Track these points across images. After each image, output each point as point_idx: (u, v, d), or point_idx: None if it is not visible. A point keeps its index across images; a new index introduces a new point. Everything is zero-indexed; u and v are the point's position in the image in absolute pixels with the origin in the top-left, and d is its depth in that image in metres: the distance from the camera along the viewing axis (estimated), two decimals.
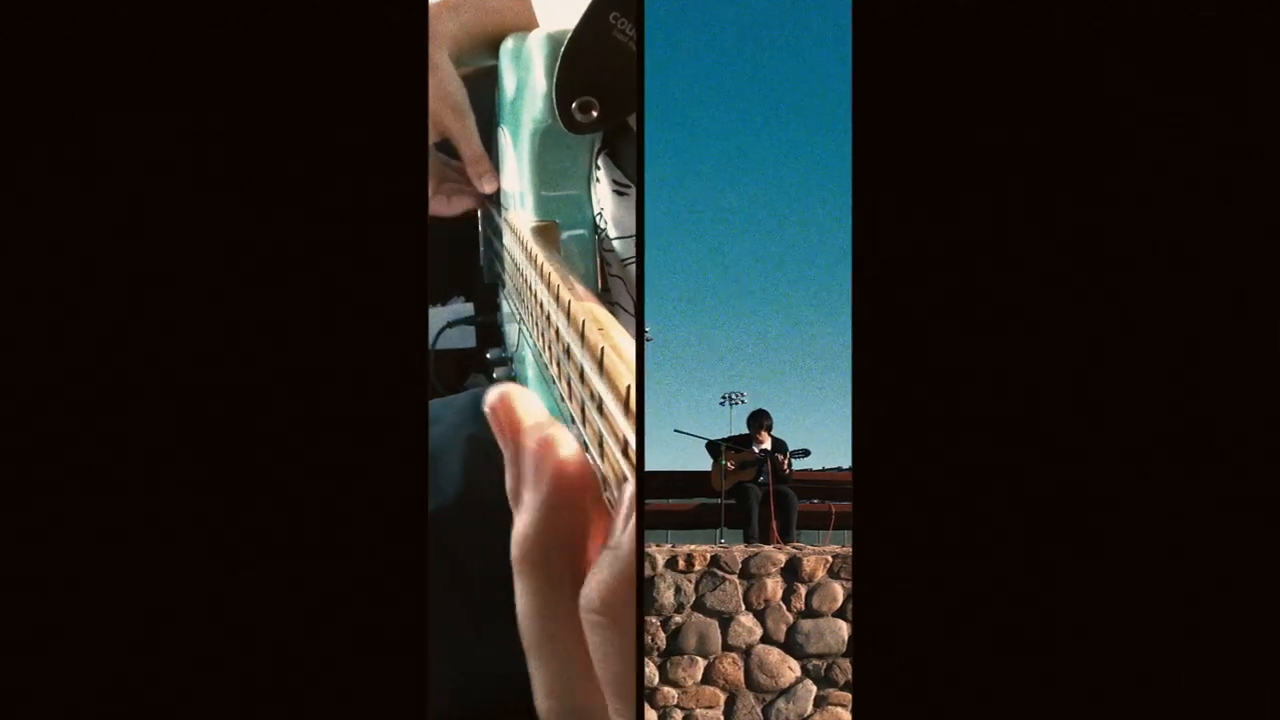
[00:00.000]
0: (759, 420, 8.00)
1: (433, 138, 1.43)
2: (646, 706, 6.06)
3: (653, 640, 6.30)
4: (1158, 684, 0.85)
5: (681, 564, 6.34)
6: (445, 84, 1.40)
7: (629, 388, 0.74)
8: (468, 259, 1.58)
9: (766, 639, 6.33)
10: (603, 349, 0.81)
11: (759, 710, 6.29)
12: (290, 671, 0.85)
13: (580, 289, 0.99)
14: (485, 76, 1.50)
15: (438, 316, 1.64)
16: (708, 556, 6.38)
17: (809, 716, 6.31)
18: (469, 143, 1.43)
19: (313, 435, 0.86)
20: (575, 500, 0.77)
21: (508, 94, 1.38)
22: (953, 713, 0.85)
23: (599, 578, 0.73)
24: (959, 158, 0.87)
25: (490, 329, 1.61)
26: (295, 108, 0.86)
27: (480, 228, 1.56)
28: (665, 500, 8.22)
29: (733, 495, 7.66)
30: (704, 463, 8.03)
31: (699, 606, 6.33)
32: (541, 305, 1.04)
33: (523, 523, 0.78)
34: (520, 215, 1.32)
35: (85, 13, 0.84)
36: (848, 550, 6.32)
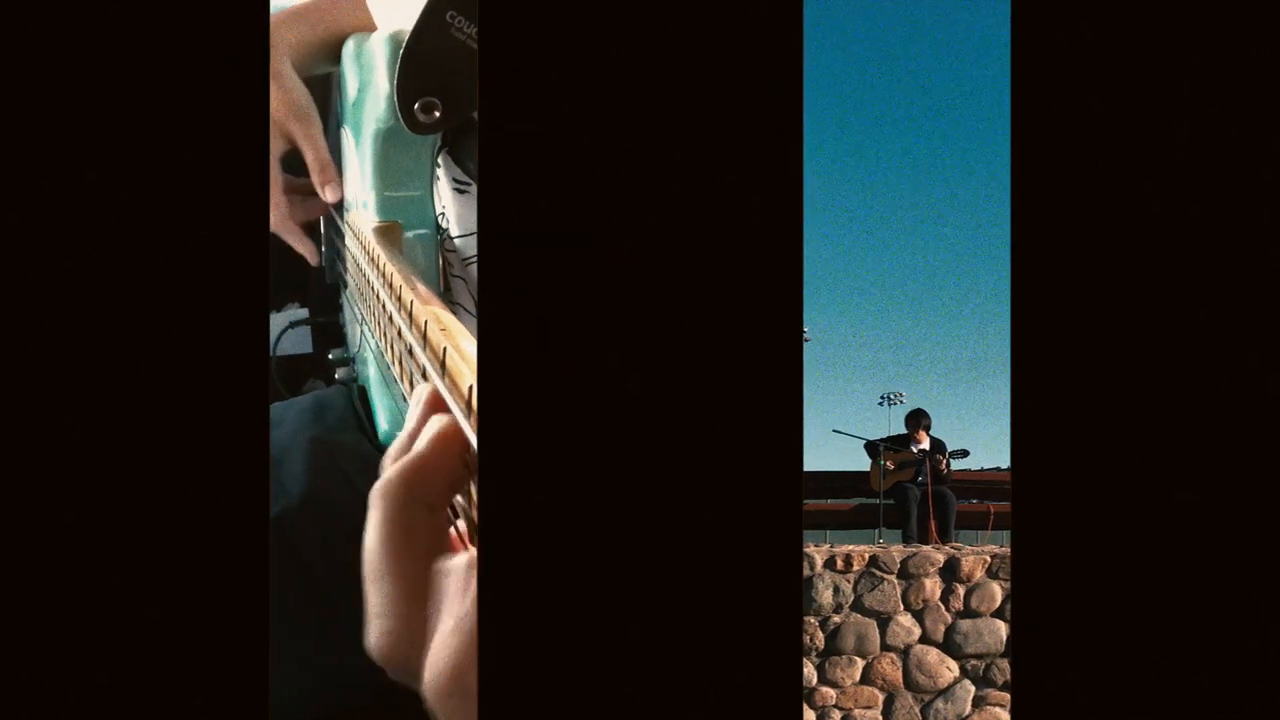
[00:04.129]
0: (917, 420, 7.97)
1: (280, 147, 1.40)
2: (805, 706, 6.05)
3: (811, 640, 6.30)
4: None
5: (840, 564, 6.33)
6: (290, 91, 1.37)
7: (470, 388, 0.74)
8: (303, 266, 1.56)
9: (925, 639, 6.30)
10: (445, 349, 0.81)
11: (917, 710, 6.26)
12: (127, 678, 0.86)
13: (423, 289, 0.98)
14: (326, 83, 1.48)
15: (275, 321, 1.61)
16: (866, 556, 6.36)
17: (967, 716, 6.27)
18: (315, 149, 1.39)
19: (150, 440, 0.86)
20: (438, 438, 0.76)
21: (349, 95, 1.37)
22: (1113, 714, 0.85)
23: (432, 665, 0.72)
24: (1122, 154, 0.86)
25: (331, 330, 1.58)
26: (134, 115, 0.86)
27: (322, 229, 1.54)
28: (824, 500, 8.22)
29: (891, 495, 7.65)
30: (862, 463, 8.02)
31: (857, 606, 6.32)
32: (384, 306, 1.04)
33: (386, 462, 0.78)
34: (362, 216, 1.30)
35: None
36: (1006, 550, 6.27)
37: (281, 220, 1.46)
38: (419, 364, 0.87)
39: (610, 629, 0.78)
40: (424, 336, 0.87)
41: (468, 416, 0.74)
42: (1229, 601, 0.82)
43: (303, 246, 1.48)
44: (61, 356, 0.83)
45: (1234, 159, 0.83)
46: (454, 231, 1.29)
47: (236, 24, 0.85)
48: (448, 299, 1.29)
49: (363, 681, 1.07)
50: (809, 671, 6.21)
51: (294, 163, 1.44)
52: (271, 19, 1.40)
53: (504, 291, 0.78)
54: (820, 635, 6.31)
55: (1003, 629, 6.26)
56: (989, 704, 6.29)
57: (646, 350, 0.79)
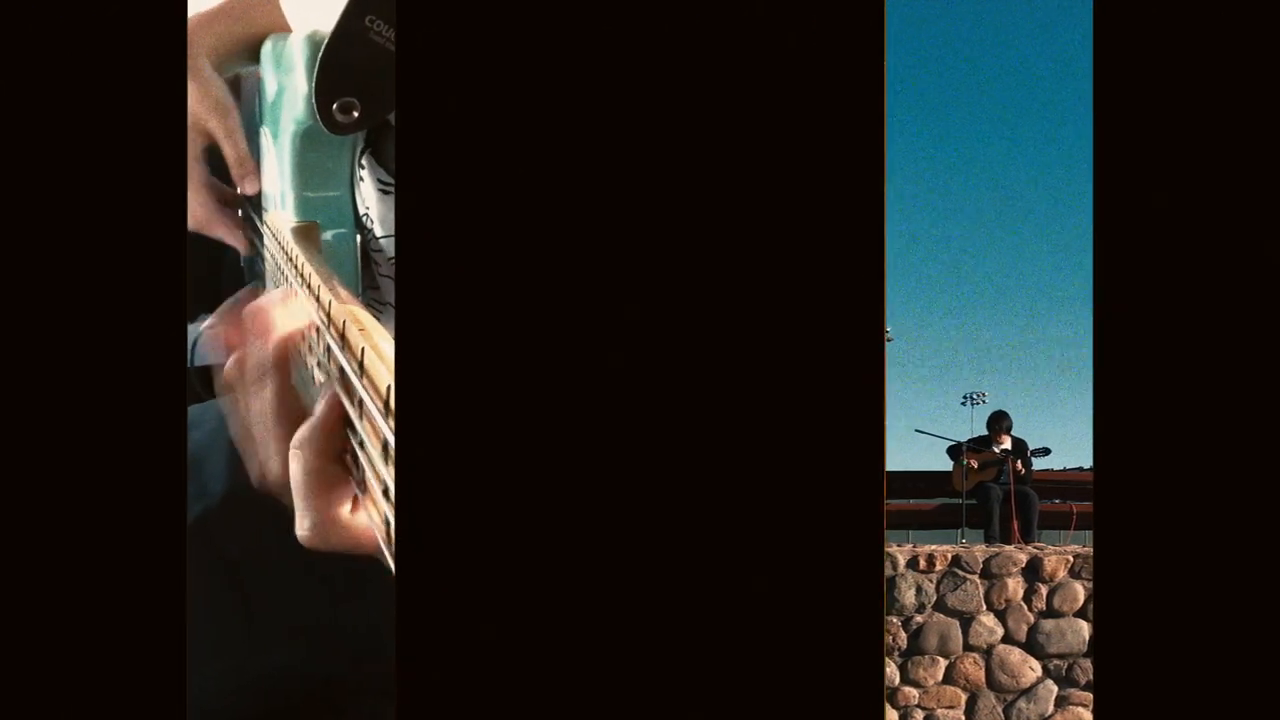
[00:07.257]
0: (999, 422, 7.94)
1: (200, 143, 1.39)
2: (887, 705, 6.04)
3: (894, 640, 6.29)
4: None
5: (923, 564, 6.31)
6: (208, 86, 1.37)
7: (389, 388, 0.74)
8: (214, 278, 1.55)
9: (1007, 639, 6.28)
10: (363, 349, 0.81)
11: (1000, 710, 6.24)
12: (44, 683, 0.86)
13: (341, 290, 0.99)
14: (245, 81, 1.47)
15: (190, 333, 1.60)
16: (949, 556, 6.34)
17: (1050, 716, 6.24)
18: (234, 143, 1.38)
19: (67, 442, 0.86)
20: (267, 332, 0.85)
21: (268, 95, 1.37)
22: (1197, 714, 0.85)
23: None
24: (1206, 152, 0.86)
25: None
26: (49, 117, 0.87)
27: (242, 230, 1.54)
28: (906, 500, 8.20)
29: (974, 495, 7.62)
30: (945, 463, 7.99)
31: (940, 606, 6.30)
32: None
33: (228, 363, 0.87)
34: (281, 216, 1.31)
35: None
36: (1089, 550, 6.23)
37: (208, 217, 1.45)
38: (337, 364, 0.88)
39: (685, 628, 0.79)
40: (342, 337, 0.88)
41: (385, 416, 0.75)
42: None
43: (231, 237, 1.48)
44: None
45: None
46: (379, 232, 1.29)
47: (153, 24, 0.85)
48: (375, 299, 1.30)
49: (288, 683, 1.08)
50: (891, 671, 6.20)
51: (218, 166, 1.44)
52: (190, 20, 1.40)
53: (422, 292, 0.78)
54: (903, 635, 6.30)
55: (1085, 629, 6.23)
56: (1071, 704, 6.26)
57: (646, 350, 0.79)
